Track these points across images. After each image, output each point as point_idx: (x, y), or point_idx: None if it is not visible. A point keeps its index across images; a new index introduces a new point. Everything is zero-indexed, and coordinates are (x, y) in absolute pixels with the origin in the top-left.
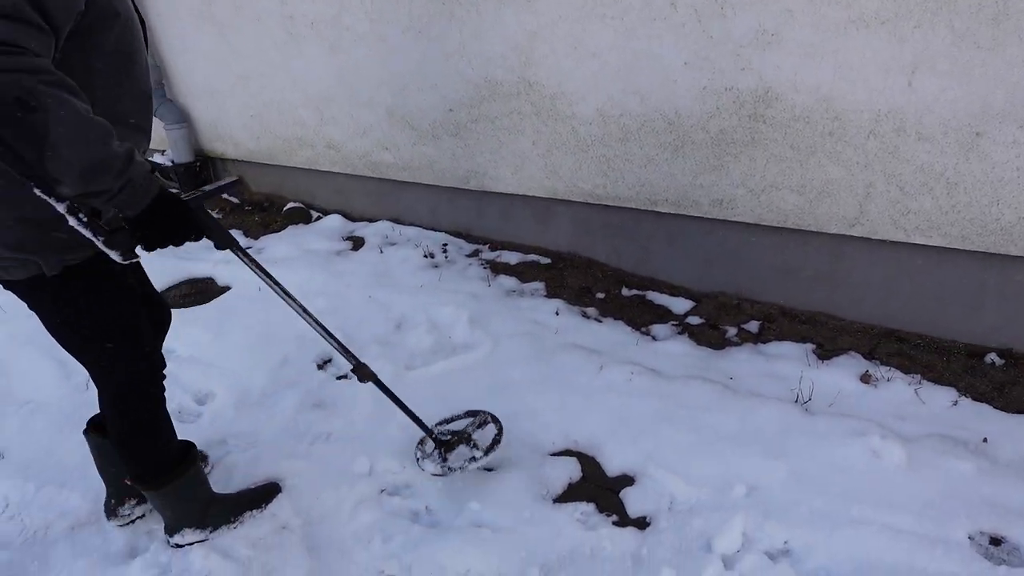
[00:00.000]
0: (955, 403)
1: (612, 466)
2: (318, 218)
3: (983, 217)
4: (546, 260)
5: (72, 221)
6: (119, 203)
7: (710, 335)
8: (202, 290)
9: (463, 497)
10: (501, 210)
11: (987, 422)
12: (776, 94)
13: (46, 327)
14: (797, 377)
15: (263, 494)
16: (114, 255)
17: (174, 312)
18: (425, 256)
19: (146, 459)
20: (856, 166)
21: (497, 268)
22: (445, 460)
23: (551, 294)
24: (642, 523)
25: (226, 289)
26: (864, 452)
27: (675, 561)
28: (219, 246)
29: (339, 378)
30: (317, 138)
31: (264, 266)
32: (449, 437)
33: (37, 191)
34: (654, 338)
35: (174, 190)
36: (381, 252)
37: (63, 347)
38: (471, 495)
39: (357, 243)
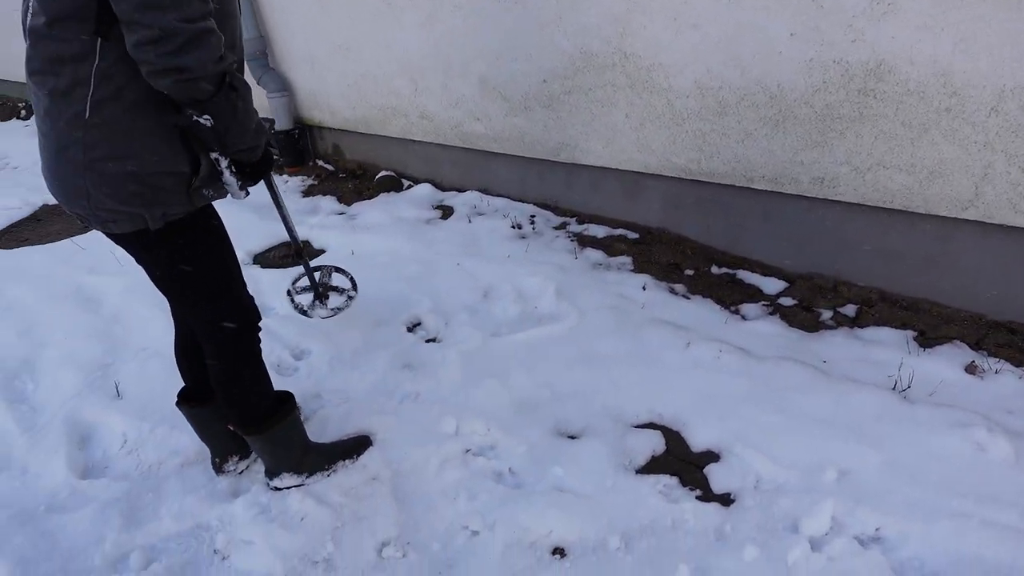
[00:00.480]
0: None
1: (696, 442)
2: (409, 187)
3: None
4: (634, 235)
5: (226, 174)
6: (254, 155)
7: (803, 317)
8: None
9: (546, 461)
10: (590, 183)
11: None
12: (889, 67)
13: (151, 278)
14: (895, 364)
15: (355, 446)
16: (240, 195)
17: (272, 272)
18: (513, 227)
19: (248, 405)
20: (974, 145)
21: (584, 241)
22: (327, 306)
23: (638, 269)
24: (726, 500)
25: (321, 252)
26: (967, 444)
27: (760, 539)
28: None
29: (427, 341)
30: (411, 108)
31: (357, 232)
32: (322, 289)
33: (213, 155)
34: (744, 317)
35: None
36: (470, 222)
37: (168, 298)
38: (554, 460)
39: (446, 212)
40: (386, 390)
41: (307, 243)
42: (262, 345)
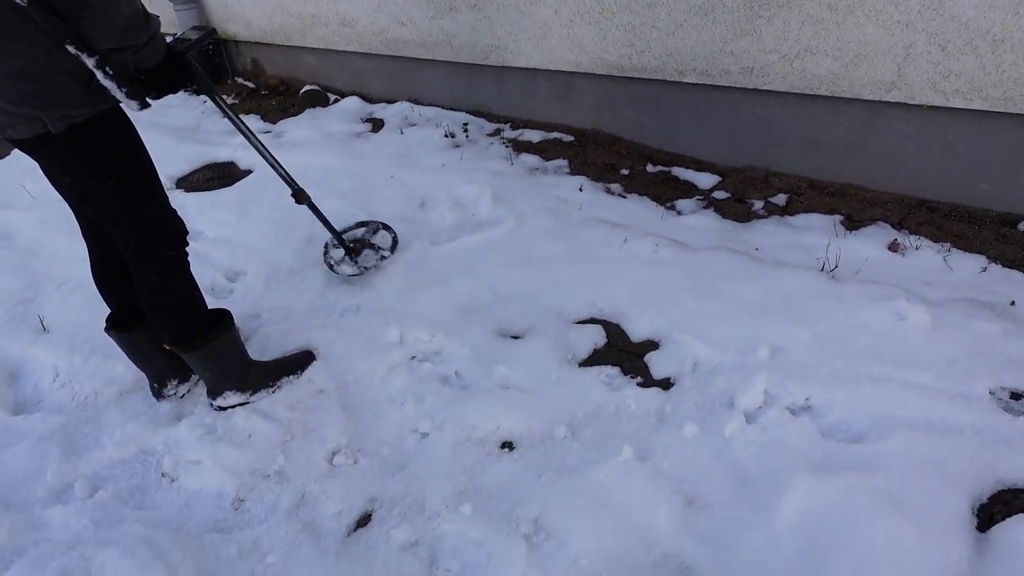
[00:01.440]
0: (984, 269)
1: (637, 332)
2: (335, 101)
3: None
4: (569, 137)
5: (99, 75)
6: (142, 57)
7: (736, 209)
8: (225, 174)
9: (491, 362)
10: (522, 87)
11: (1016, 287)
12: None
13: (61, 191)
14: (824, 247)
15: (299, 360)
16: (133, 105)
17: (199, 195)
18: (446, 136)
19: (180, 320)
20: (897, 25)
21: (519, 146)
22: (356, 263)
23: (574, 171)
24: (666, 384)
25: (248, 172)
26: (889, 315)
27: (698, 416)
28: (198, 92)
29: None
30: (331, 14)
31: (285, 150)
32: (353, 244)
33: (71, 48)
34: (679, 213)
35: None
36: (401, 133)
37: (80, 209)
38: (498, 359)
39: (376, 125)
40: (326, 305)
41: (232, 163)
42: (194, 269)
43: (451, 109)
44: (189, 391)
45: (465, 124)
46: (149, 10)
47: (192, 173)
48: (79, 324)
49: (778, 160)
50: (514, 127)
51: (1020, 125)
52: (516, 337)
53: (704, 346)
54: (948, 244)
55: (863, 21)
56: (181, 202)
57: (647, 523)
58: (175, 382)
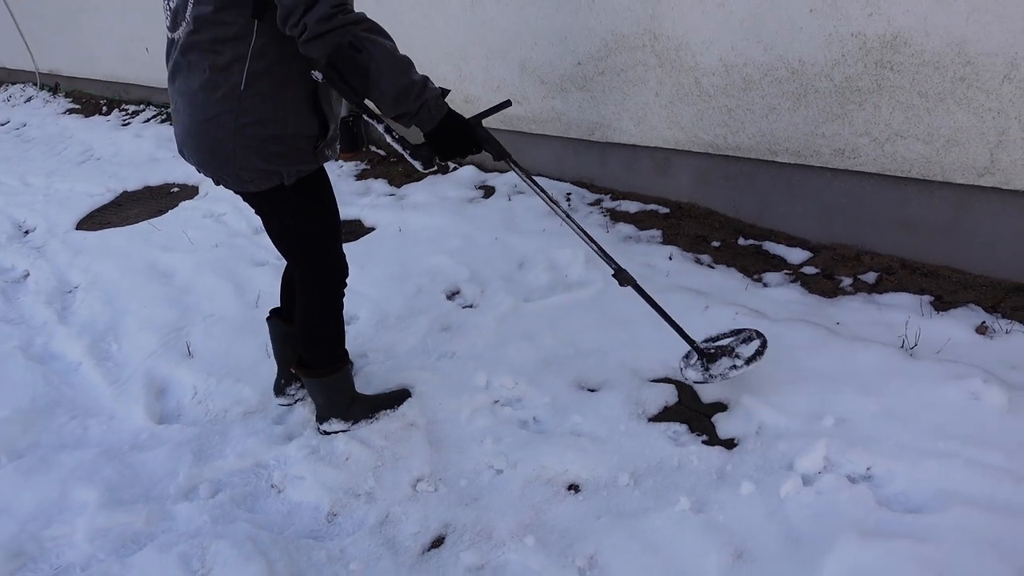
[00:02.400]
0: None
1: (707, 394)
2: (454, 169)
3: None
4: (665, 210)
5: (388, 139)
6: (418, 122)
7: (823, 284)
8: (352, 231)
9: (566, 411)
10: (623, 161)
11: None
12: (904, 39)
13: (274, 231)
14: (911, 324)
15: (396, 397)
16: (418, 164)
17: None
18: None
19: (319, 348)
20: (988, 112)
21: (617, 216)
22: (707, 370)
23: (667, 241)
24: (730, 444)
25: (371, 230)
26: (962, 393)
27: (756, 476)
28: (496, 157)
29: (465, 307)
30: (455, 93)
31: (405, 211)
32: (713, 350)
33: (364, 116)
34: (765, 285)
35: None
36: (509, 200)
37: (285, 249)
38: (574, 409)
39: (488, 192)
40: (425, 350)
41: (359, 221)
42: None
43: (557, 179)
44: (303, 399)
45: (568, 194)
46: None
47: None
48: (218, 352)
49: (870, 239)
50: (614, 198)
51: None
52: (592, 390)
53: (771, 411)
54: None
55: (953, 108)
56: None
57: (695, 570)
58: (298, 384)
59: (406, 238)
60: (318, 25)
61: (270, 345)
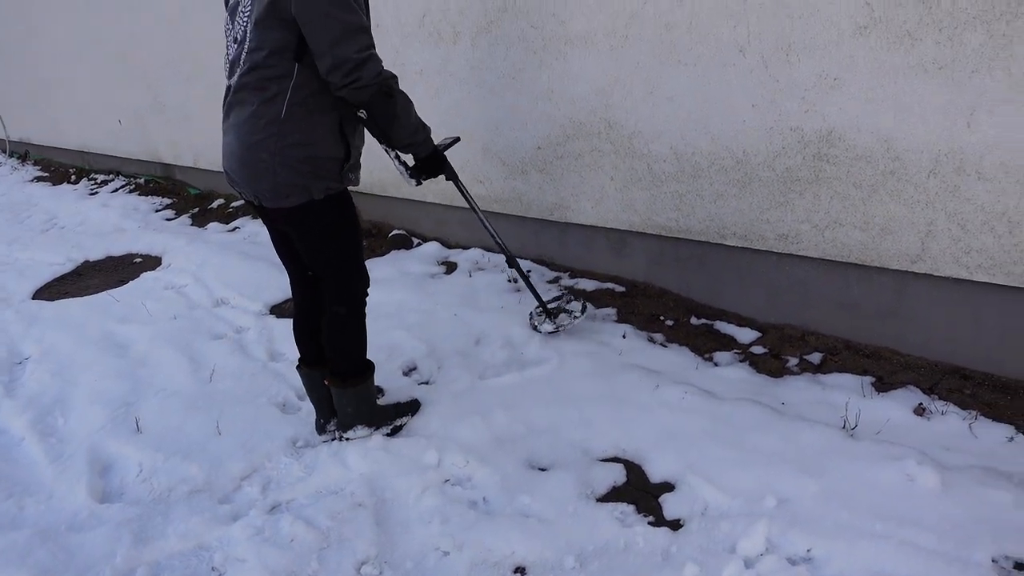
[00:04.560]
0: (1011, 439)
1: (655, 474)
2: (418, 244)
3: None
4: (621, 288)
5: (395, 163)
6: (417, 150)
7: (771, 364)
8: None
9: (516, 491)
10: (581, 240)
11: None
12: (839, 135)
13: (306, 245)
14: (851, 405)
15: (411, 406)
16: (412, 182)
17: (286, 321)
18: (509, 281)
19: (352, 361)
20: (917, 204)
21: (574, 294)
22: (554, 323)
23: (621, 319)
24: (676, 525)
25: None
26: (898, 475)
27: (700, 559)
28: (448, 177)
29: (420, 383)
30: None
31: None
32: (554, 309)
33: (382, 144)
34: (716, 364)
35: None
36: (470, 276)
37: (315, 261)
38: (523, 489)
39: (450, 267)
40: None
41: None
42: (270, 386)
43: (518, 257)
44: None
45: (528, 271)
46: None
47: (285, 301)
48: (168, 427)
49: (815, 320)
50: (572, 276)
51: None
52: (543, 469)
53: (715, 491)
54: (976, 412)
55: (886, 199)
56: (271, 327)
57: None
58: (335, 420)
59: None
60: (373, 79)
61: (220, 421)
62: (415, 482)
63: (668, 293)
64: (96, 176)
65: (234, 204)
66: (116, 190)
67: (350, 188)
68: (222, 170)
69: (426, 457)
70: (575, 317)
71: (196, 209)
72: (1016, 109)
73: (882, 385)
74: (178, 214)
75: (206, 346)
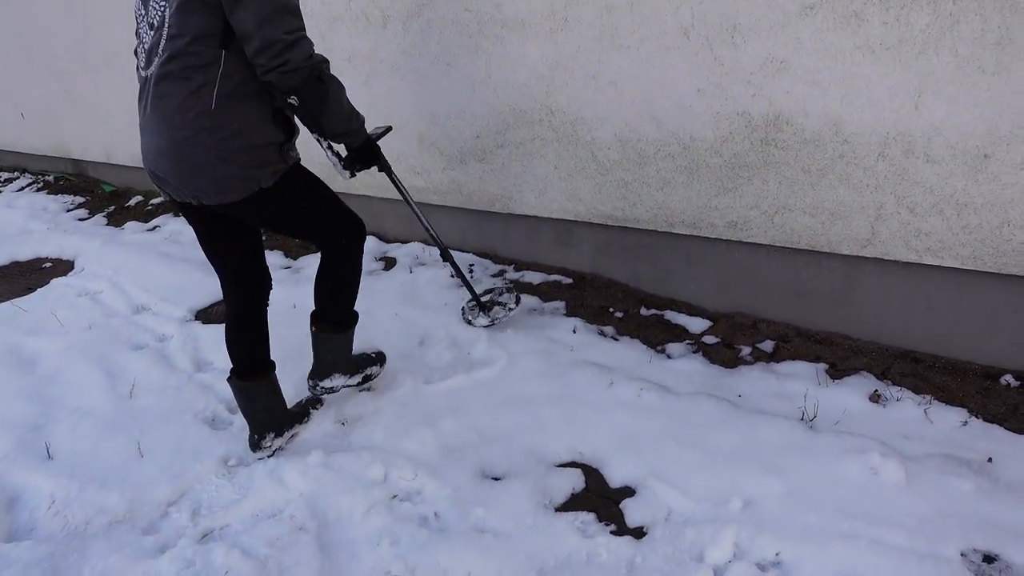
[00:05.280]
0: (964, 423)
1: (615, 478)
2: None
3: (994, 238)
4: (568, 280)
5: (327, 153)
6: (350, 140)
7: (724, 354)
8: None
9: (469, 504)
10: (525, 232)
11: (995, 443)
12: (786, 119)
13: (277, 226)
14: (808, 396)
15: (379, 357)
16: (345, 175)
17: (216, 327)
18: (451, 276)
19: (346, 308)
20: (866, 188)
21: (520, 287)
22: (489, 316)
23: (570, 313)
24: (639, 533)
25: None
26: (862, 469)
27: (666, 569)
28: (380, 168)
29: (362, 390)
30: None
31: (301, 286)
32: (487, 302)
33: (313, 134)
34: (669, 356)
35: None
36: (411, 272)
37: (295, 233)
38: (477, 501)
39: (389, 263)
40: (317, 442)
41: None
42: (199, 399)
43: (459, 250)
44: (282, 448)
45: (471, 265)
46: None
47: (212, 305)
48: (82, 452)
49: (766, 307)
50: (517, 269)
51: (992, 282)
52: (497, 479)
53: (678, 495)
54: (930, 396)
55: (835, 183)
56: (197, 334)
57: None
58: (272, 435)
59: (302, 314)
60: (303, 61)
61: (142, 442)
62: (360, 500)
63: (616, 284)
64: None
65: (153, 201)
66: (22, 188)
67: None
68: (143, 168)
69: (371, 472)
70: (509, 309)
71: (111, 208)
72: (963, 90)
73: (836, 372)
74: (92, 213)
75: (125, 358)
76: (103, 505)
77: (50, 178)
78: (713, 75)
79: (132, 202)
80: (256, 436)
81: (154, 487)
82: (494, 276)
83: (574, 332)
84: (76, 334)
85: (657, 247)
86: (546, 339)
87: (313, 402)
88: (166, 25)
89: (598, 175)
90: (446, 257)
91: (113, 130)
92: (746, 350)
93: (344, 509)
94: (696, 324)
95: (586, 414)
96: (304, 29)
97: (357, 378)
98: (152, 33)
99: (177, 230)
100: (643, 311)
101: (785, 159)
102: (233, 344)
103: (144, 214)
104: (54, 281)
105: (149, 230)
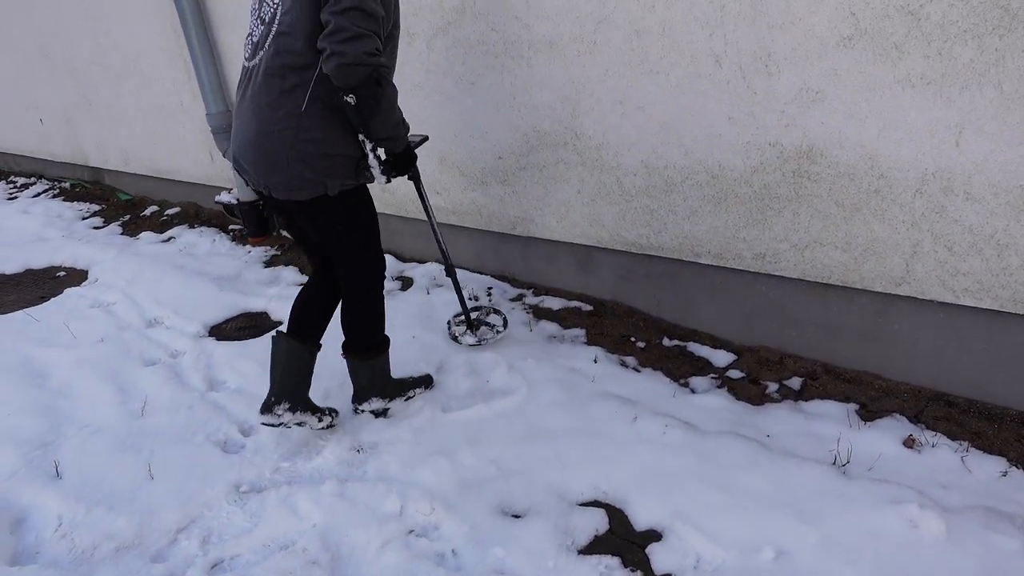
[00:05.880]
0: (1005, 474)
1: (640, 520)
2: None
3: None
4: (588, 307)
5: (371, 157)
6: (394, 145)
7: (750, 390)
8: (256, 324)
9: (488, 542)
10: (546, 256)
11: None
12: (820, 151)
13: (320, 236)
14: (836, 438)
15: (425, 380)
16: (382, 180)
17: (229, 345)
18: (470, 299)
19: (372, 337)
20: (902, 225)
21: (540, 313)
22: (476, 336)
23: (591, 341)
24: None
25: (279, 323)
26: (901, 521)
27: None
28: (411, 177)
29: (377, 416)
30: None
31: None
32: (475, 322)
33: (361, 136)
34: (692, 391)
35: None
36: (428, 293)
37: (330, 251)
38: (496, 540)
39: (406, 283)
40: (331, 471)
41: (265, 314)
42: (210, 420)
43: (478, 272)
44: (288, 426)
45: (489, 288)
46: (191, 166)
47: (226, 321)
48: (91, 472)
49: (793, 342)
50: (536, 294)
51: None
52: (517, 516)
53: (707, 541)
54: (966, 443)
55: (869, 219)
56: (210, 351)
57: None
58: (286, 405)
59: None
60: (364, 57)
61: (152, 463)
62: (375, 534)
63: (638, 312)
64: (16, 179)
65: (168, 212)
66: (38, 195)
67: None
68: (232, 155)
69: (387, 504)
70: (497, 331)
71: (127, 217)
72: (1006, 128)
73: (867, 413)
74: (107, 222)
75: (137, 374)
76: (111, 530)
77: (67, 185)
78: (745, 103)
79: (147, 212)
80: (272, 399)
81: (163, 511)
82: (512, 300)
83: (595, 362)
84: (88, 347)
85: (681, 276)
86: (566, 368)
87: (331, 415)
88: (276, 22)
89: (622, 201)
90: (450, 272)
91: (131, 137)
92: (773, 386)
93: (359, 543)
94: (720, 357)
95: (609, 450)
96: (377, 34)
97: (398, 401)
98: (262, 28)
99: (192, 242)
100: (665, 341)
101: (818, 192)
102: (301, 304)
103: (159, 224)
104: (67, 291)
105: (164, 241)
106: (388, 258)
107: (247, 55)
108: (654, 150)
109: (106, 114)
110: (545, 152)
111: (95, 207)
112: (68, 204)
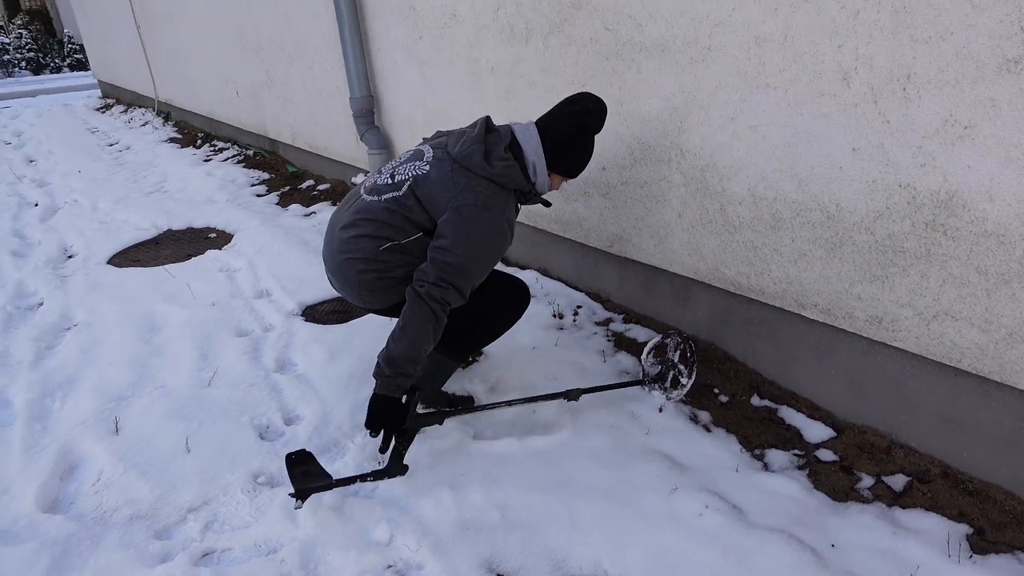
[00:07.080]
0: None
1: None
2: None
3: None
4: None
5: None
6: (379, 375)
7: (837, 479)
8: (348, 309)
9: None
10: (642, 282)
11: None
12: (963, 201)
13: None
14: (927, 570)
15: (467, 400)
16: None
17: (315, 327)
18: (554, 315)
19: (468, 344)
20: None
21: (621, 343)
22: (665, 389)
23: None
24: None
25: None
26: None
27: None
28: (389, 434)
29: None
30: None
31: None
32: (656, 373)
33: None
34: (765, 466)
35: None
36: None
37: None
38: None
39: None
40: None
41: None
42: (265, 399)
43: (573, 287)
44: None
45: (579, 306)
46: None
47: (321, 303)
48: (143, 434)
49: (908, 430)
50: (626, 320)
51: None
52: None
53: None
54: None
55: (1020, 295)
56: (295, 330)
57: None
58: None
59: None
60: (433, 300)
61: (194, 436)
62: (354, 561)
63: (731, 360)
64: (217, 143)
65: (320, 187)
66: (227, 159)
67: None
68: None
69: (377, 531)
70: (683, 385)
71: (287, 188)
72: None
73: (982, 543)
74: (269, 191)
75: (226, 343)
76: (134, 495)
77: (251, 152)
78: (875, 133)
79: (304, 185)
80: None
81: (183, 488)
82: (598, 324)
83: (660, 411)
84: (200, 309)
85: (781, 327)
86: (626, 413)
87: (469, 400)
88: (402, 190)
89: (725, 232)
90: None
91: (297, 115)
92: (867, 480)
93: (335, 566)
94: (815, 431)
95: (630, 522)
96: (461, 291)
97: (430, 411)
98: (389, 182)
99: (327, 219)
100: (755, 400)
101: (955, 252)
102: None
103: (309, 199)
104: (209, 252)
105: (306, 215)
106: None
107: (367, 184)
108: (764, 177)
109: (281, 92)
110: (648, 167)
111: (265, 175)
112: (245, 170)
